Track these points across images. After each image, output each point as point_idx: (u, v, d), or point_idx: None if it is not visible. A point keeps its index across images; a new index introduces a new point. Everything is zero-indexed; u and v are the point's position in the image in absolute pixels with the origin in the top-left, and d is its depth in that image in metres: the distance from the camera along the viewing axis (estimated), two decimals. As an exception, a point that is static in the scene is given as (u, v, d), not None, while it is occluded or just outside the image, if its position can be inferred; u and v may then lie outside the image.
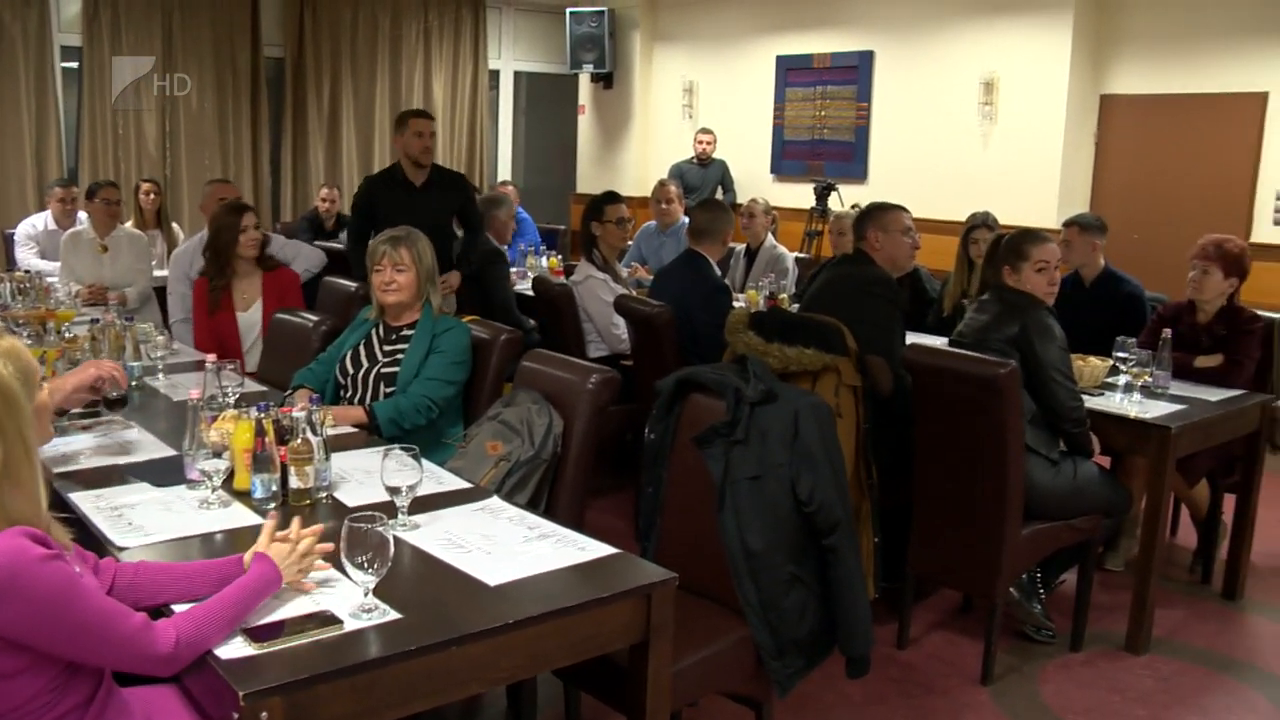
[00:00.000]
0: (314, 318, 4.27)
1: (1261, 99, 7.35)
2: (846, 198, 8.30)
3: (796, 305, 5.25)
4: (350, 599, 2.07)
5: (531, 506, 2.88)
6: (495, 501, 2.75)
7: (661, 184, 7.30)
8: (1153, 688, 3.74)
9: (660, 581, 2.29)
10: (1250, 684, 3.83)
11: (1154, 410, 3.95)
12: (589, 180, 11.44)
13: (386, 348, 3.64)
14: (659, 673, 2.35)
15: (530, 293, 6.13)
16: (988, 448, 3.50)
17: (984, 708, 3.55)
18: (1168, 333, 4.34)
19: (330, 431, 2.85)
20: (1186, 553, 4.90)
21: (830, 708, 3.51)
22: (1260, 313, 4.65)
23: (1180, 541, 5.09)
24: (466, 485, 2.87)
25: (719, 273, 4.96)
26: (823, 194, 8.47)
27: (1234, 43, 7.44)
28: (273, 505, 2.58)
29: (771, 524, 2.74)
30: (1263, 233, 7.28)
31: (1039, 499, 3.64)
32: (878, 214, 4.21)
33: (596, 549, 2.41)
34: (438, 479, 2.87)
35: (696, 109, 10.57)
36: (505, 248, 6.54)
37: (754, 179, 9.82)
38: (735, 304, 5.03)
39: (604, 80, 11.23)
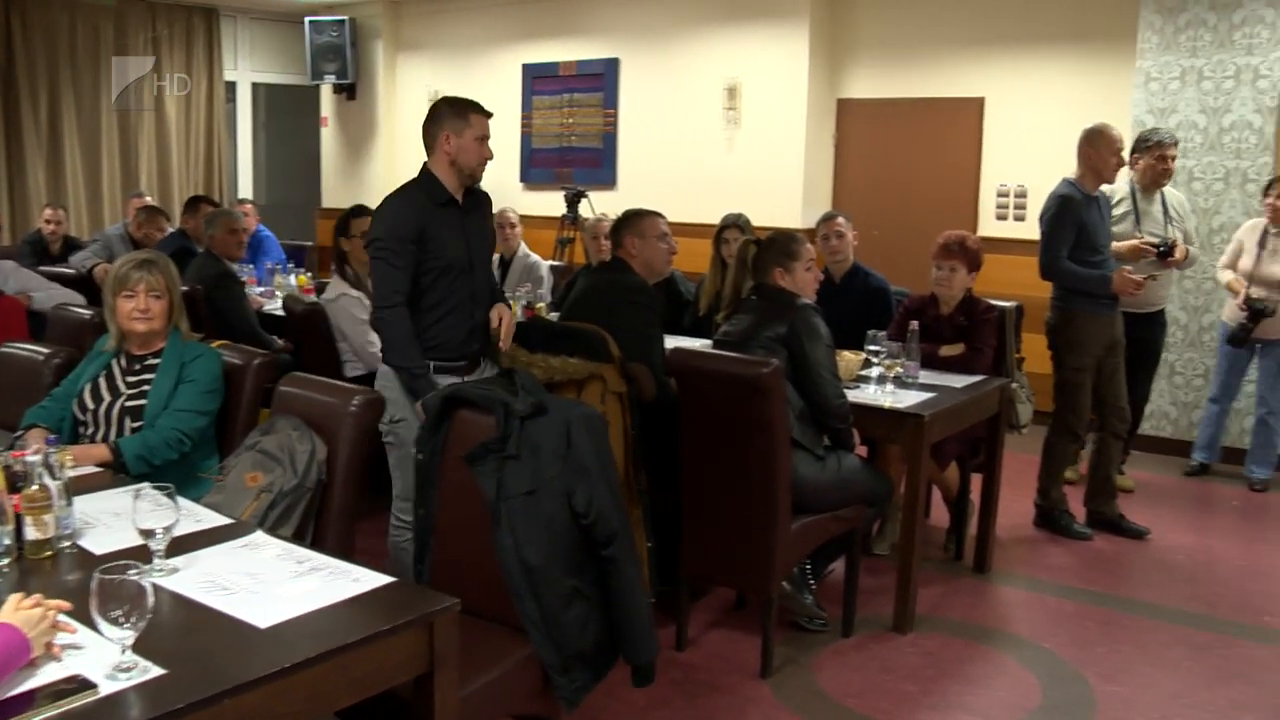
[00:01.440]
0: (45, 350, 3.95)
1: (979, 103, 7.85)
2: (597, 204, 8.37)
3: (555, 314, 5.25)
4: (105, 658, 1.90)
5: (298, 539, 2.75)
6: (259, 536, 2.60)
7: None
8: (919, 663, 3.92)
9: (442, 608, 2.22)
10: (1003, 649, 4.07)
11: (907, 400, 4.14)
12: (335, 195, 11.13)
13: (130, 379, 3.40)
14: (446, 702, 2.27)
15: (280, 312, 5.88)
16: (755, 446, 3.57)
17: (765, 701, 3.63)
18: (915, 325, 4.56)
19: (71, 473, 2.63)
20: (941, 532, 5.17)
21: (615, 717, 3.50)
22: (994, 302, 4.97)
23: (934, 522, 5.36)
24: (227, 521, 2.71)
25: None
26: (573, 201, 8.51)
27: (955, 51, 7.93)
28: (6, 561, 2.35)
29: (548, 539, 2.70)
30: (987, 227, 7.78)
31: (806, 493, 3.75)
32: (634, 220, 4.24)
33: (371, 579, 2.32)
34: (195, 517, 2.70)
35: (443, 119, 10.40)
36: (237, 266, 6.22)
37: (504, 188, 9.76)
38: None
39: (347, 91, 10.96)
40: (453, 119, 3.63)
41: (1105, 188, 5.27)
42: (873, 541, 4.91)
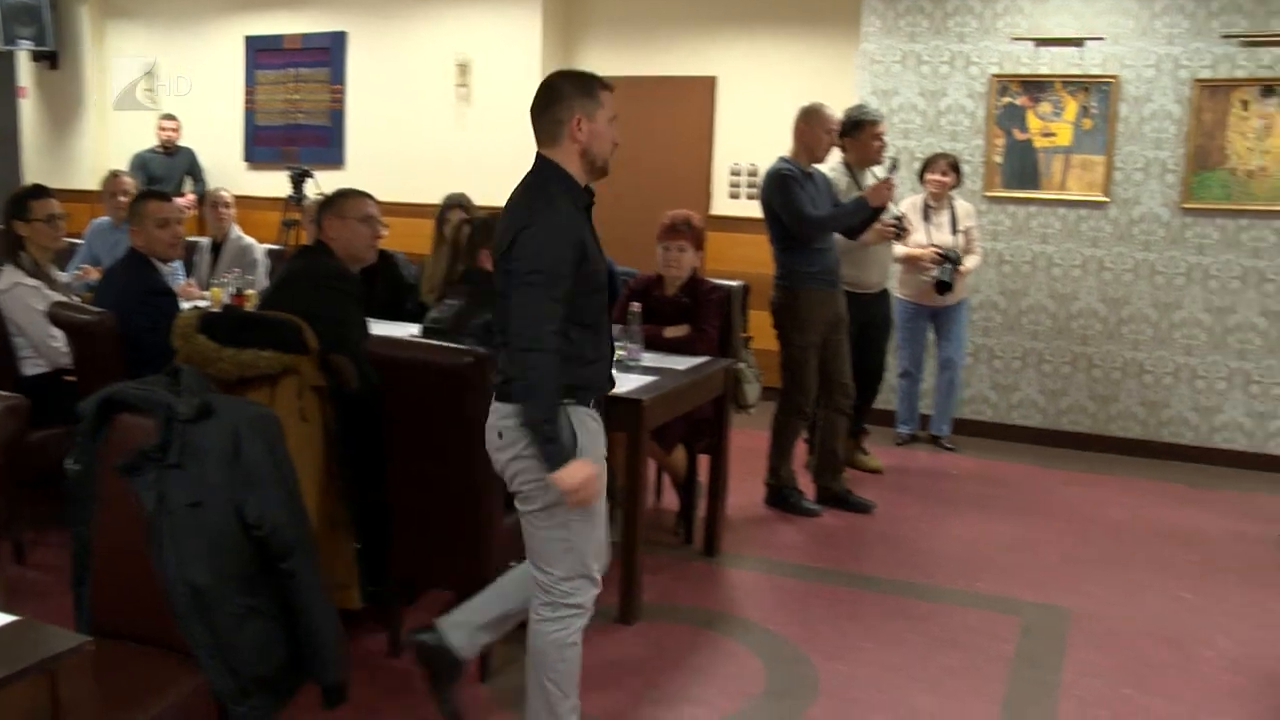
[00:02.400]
0: None
1: (711, 82, 7.88)
2: (325, 185, 7.95)
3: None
4: None
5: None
6: None
7: (114, 175, 6.61)
8: (645, 655, 3.82)
9: (68, 650, 1.92)
10: (730, 634, 4.03)
11: (627, 384, 4.02)
12: (39, 173, 10.17)
13: None
14: (81, 755, 1.98)
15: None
16: (462, 440, 3.36)
17: (485, 704, 3.46)
18: (637, 307, 4.46)
19: None
20: (672, 516, 5.11)
21: (319, 737, 3.25)
22: (719, 282, 4.93)
23: (666, 505, 5.31)
24: None
25: (164, 272, 4.47)
26: (298, 181, 8.06)
27: (688, 30, 7.93)
28: None
29: (218, 555, 2.43)
30: (720, 206, 7.83)
31: (519, 486, 3.57)
32: (336, 201, 3.95)
33: (-11, 619, 2.00)
34: None
35: (159, 93, 9.72)
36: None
37: (225, 168, 9.20)
38: (202, 303, 4.59)
39: (48, 59, 10.04)
40: (582, 98, 2.84)
41: (823, 168, 5.33)
42: (603, 529, 4.80)
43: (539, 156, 2.90)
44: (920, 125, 6.92)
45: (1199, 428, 6.69)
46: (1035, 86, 6.74)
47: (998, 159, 6.85)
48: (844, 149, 5.54)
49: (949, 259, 6.13)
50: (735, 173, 7.85)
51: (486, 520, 3.43)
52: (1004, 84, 6.79)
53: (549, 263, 2.71)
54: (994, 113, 6.82)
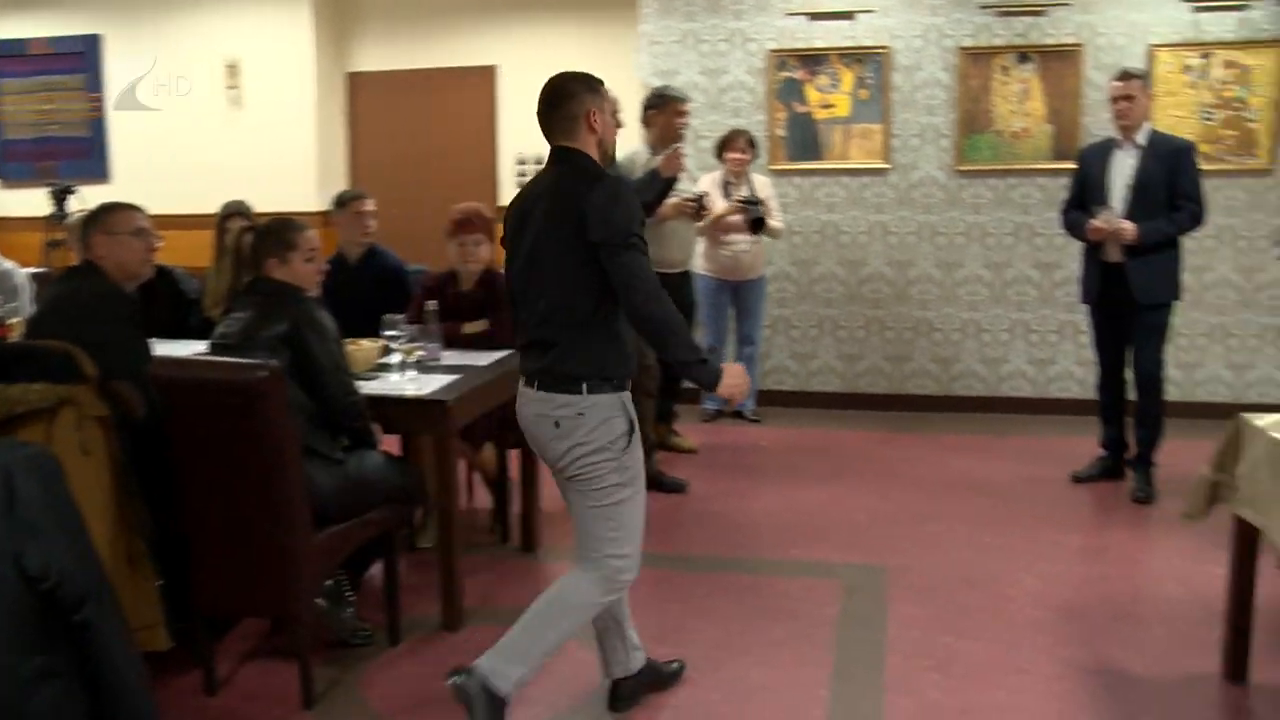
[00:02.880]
0: None
1: (491, 72, 7.78)
2: (90, 199, 7.50)
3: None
4: None
5: None
6: None
7: None
8: (473, 661, 3.73)
9: None
10: (559, 632, 3.97)
11: (430, 385, 3.91)
12: None
13: None
14: None
15: None
16: (260, 460, 3.20)
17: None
18: (433, 304, 4.35)
19: None
20: (486, 515, 5.02)
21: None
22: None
23: (479, 505, 5.21)
24: None
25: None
26: (59, 197, 7.58)
27: (464, 19, 7.81)
28: None
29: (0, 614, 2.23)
30: (508, 197, 7.66)
31: (328, 502, 3.43)
32: (102, 217, 3.69)
33: None
34: None
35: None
36: None
37: (-29, 187, 8.59)
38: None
39: None
40: (591, 95, 3.05)
41: (630, 153, 5.33)
42: (417, 535, 4.68)
43: (562, 149, 3.05)
44: (703, 103, 6.99)
45: (987, 379, 7.01)
46: (812, 60, 6.90)
47: (780, 132, 7.00)
48: (646, 126, 5.55)
49: (751, 202, 6.19)
50: (521, 162, 7.78)
51: (293, 540, 3.27)
52: (782, 59, 6.93)
53: (638, 225, 2.92)
54: (774, 88, 6.95)
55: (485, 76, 7.74)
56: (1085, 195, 5.30)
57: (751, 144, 6.41)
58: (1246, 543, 3.47)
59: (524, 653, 3.06)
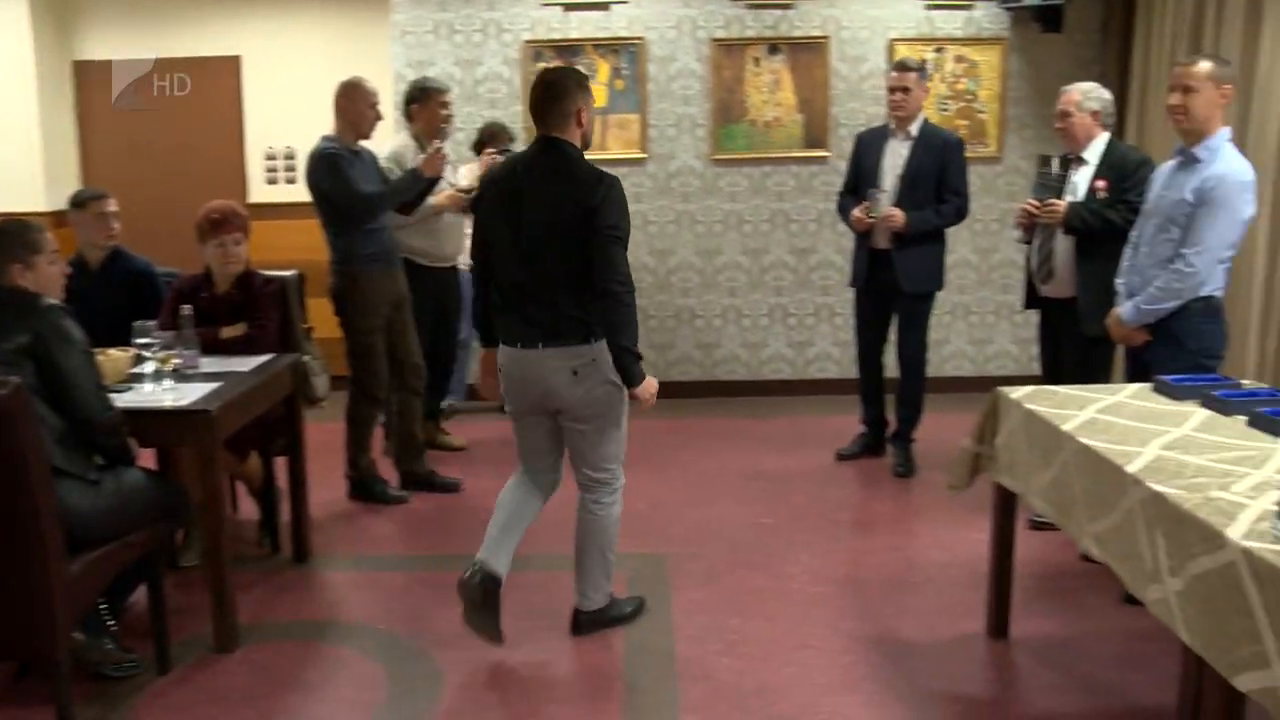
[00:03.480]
0: None
1: (236, 62, 7.40)
2: None
3: None
4: None
5: None
6: None
7: None
8: (252, 682, 3.54)
9: None
10: (340, 642, 3.83)
11: (191, 395, 3.68)
12: None
13: None
14: None
15: None
16: (3, 486, 2.92)
17: None
18: (188, 309, 4.10)
19: None
20: (254, 527, 4.78)
21: None
22: (272, 273, 4.64)
23: (246, 516, 4.96)
24: None
25: None
26: None
27: (205, 7, 7.38)
28: None
29: None
30: (259, 193, 7.41)
31: (84, 526, 3.16)
32: None
33: None
34: None
35: None
36: None
37: None
38: None
39: None
40: (583, 93, 3.55)
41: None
42: (180, 554, 4.41)
43: (552, 139, 3.50)
44: (458, 95, 6.85)
45: (749, 363, 7.20)
46: (568, 51, 6.89)
47: (539, 124, 6.95)
48: (410, 120, 5.41)
49: (467, 191, 6.11)
50: (271, 157, 7.44)
51: (48, 571, 2.99)
52: (537, 50, 6.89)
53: (627, 220, 3.46)
54: (530, 79, 6.88)
55: (228, 67, 7.34)
56: (859, 181, 5.49)
57: (511, 138, 6.35)
58: (1005, 509, 3.68)
59: (601, 575, 3.78)
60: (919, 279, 5.44)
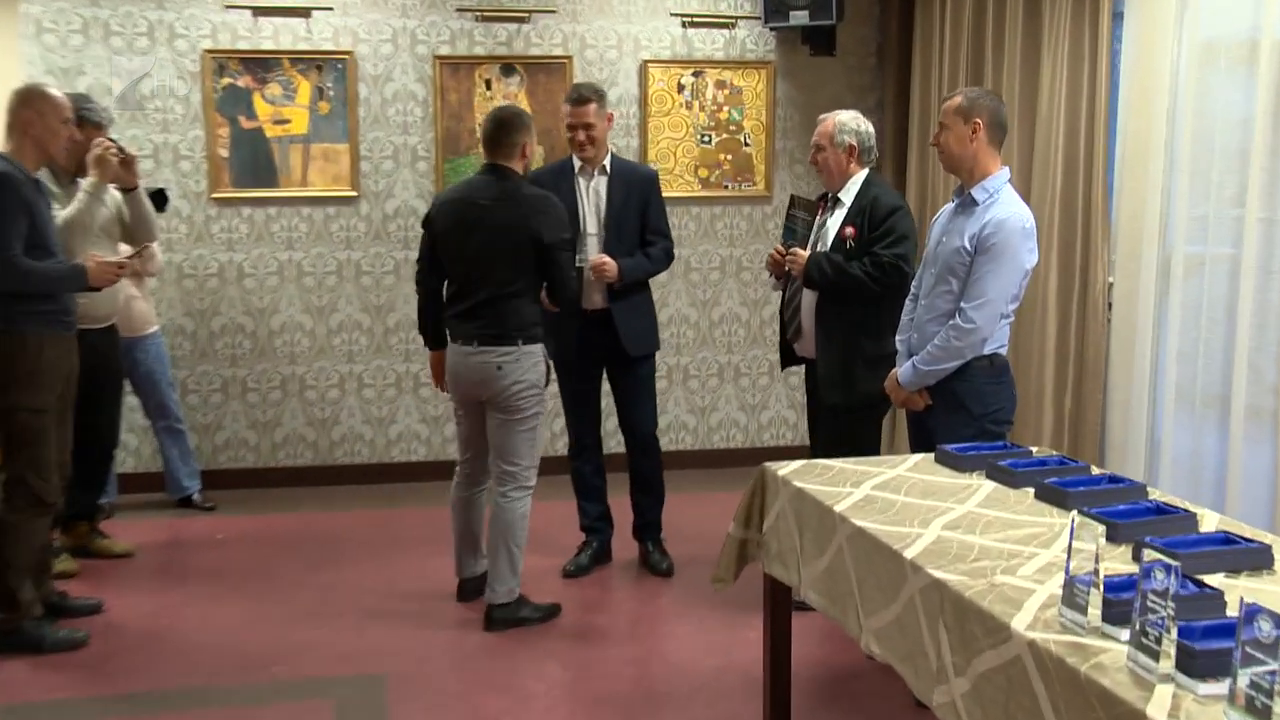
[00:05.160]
0: None
1: None
2: None
3: None
4: None
5: None
6: None
7: None
8: None
9: None
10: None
11: None
12: None
13: None
14: None
15: None
16: None
17: None
18: None
19: None
20: None
21: None
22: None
23: None
24: None
25: None
26: None
27: None
28: None
29: None
30: None
31: None
32: None
33: None
34: None
35: None
36: None
37: None
38: None
39: None
40: (529, 131, 4.87)
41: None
42: None
43: (499, 166, 4.80)
44: (121, 114, 6.62)
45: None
46: (260, 65, 6.78)
47: (223, 152, 6.80)
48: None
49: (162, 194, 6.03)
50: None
51: None
52: (221, 61, 6.74)
53: (569, 233, 4.96)
54: (213, 96, 6.75)
55: None
56: None
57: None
58: (779, 604, 3.78)
59: (508, 569, 4.84)
60: (643, 339, 5.48)
